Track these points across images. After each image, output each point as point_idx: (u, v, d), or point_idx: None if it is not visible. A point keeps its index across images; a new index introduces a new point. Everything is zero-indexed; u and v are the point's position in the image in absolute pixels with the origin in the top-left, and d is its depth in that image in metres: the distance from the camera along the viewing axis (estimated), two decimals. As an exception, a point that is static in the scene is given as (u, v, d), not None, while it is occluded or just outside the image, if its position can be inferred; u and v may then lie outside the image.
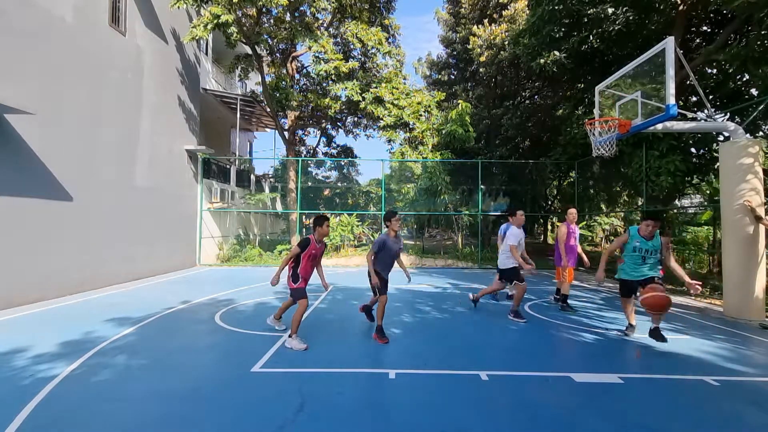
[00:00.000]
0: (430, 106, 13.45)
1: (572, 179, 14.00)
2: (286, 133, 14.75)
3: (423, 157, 13.45)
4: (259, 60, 12.43)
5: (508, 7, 14.81)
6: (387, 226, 4.65)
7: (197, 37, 9.94)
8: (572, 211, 6.23)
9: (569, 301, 6.26)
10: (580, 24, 9.24)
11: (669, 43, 5.40)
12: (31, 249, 6.19)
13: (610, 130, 6.53)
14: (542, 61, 9.70)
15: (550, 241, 18.98)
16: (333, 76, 12.49)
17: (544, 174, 14.82)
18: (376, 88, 13.09)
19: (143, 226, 9.03)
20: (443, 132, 13.53)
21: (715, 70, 9.14)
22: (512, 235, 5.45)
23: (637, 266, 4.41)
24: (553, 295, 6.49)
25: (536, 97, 16.82)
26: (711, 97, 8.97)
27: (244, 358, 3.80)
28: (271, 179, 19.88)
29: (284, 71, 13.83)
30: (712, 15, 9.01)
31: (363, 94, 12.91)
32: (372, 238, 15.25)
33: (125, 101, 8.52)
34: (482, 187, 12.91)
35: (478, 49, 14.88)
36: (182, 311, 5.80)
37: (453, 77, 19.06)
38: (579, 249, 6.23)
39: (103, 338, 4.38)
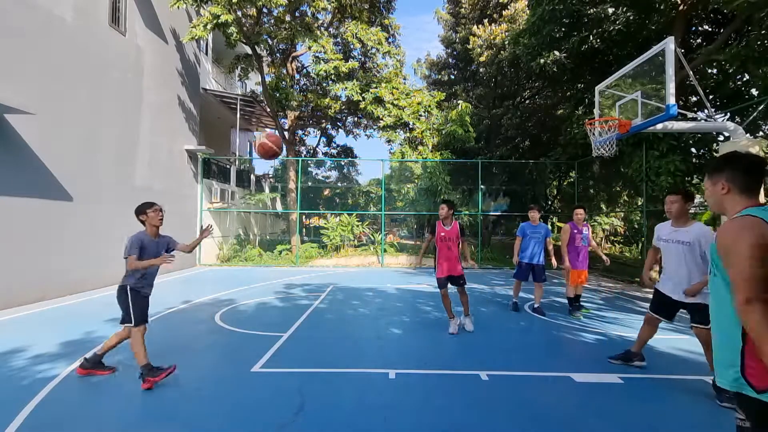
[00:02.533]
0: (430, 106, 13.45)
1: (572, 179, 14.00)
2: (286, 133, 14.75)
3: (423, 157, 13.46)
4: (259, 60, 12.43)
5: (508, 7, 14.81)
6: (142, 221, 3.66)
7: (197, 37, 9.95)
8: (577, 212, 5.83)
9: (577, 304, 5.89)
10: (580, 24, 9.23)
11: (669, 43, 5.39)
12: (31, 249, 6.19)
13: (610, 130, 6.52)
14: (542, 61, 9.69)
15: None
16: (333, 76, 12.49)
17: (544, 174, 14.82)
18: (376, 88, 13.09)
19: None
20: (443, 132, 13.53)
21: (715, 70, 9.13)
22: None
23: None
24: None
25: (536, 97, 16.82)
26: (711, 97, 8.97)
27: (244, 358, 3.80)
28: (271, 179, 19.89)
29: (284, 71, 13.84)
30: (712, 15, 9.01)
31: (363, 94, 12.91)
32: (372, 238, 15.25)
33: (125, 101, 8.52)
34: (482, 187, 12.92)
35: (478, 49, 14.89)
36: (182, 311, 5.80)
37: (453, 77, 19.07)
38: (595, 248, 5.94)
39: (104, 338, 4.37)
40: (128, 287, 3.30)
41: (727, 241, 1.40)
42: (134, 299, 3.30)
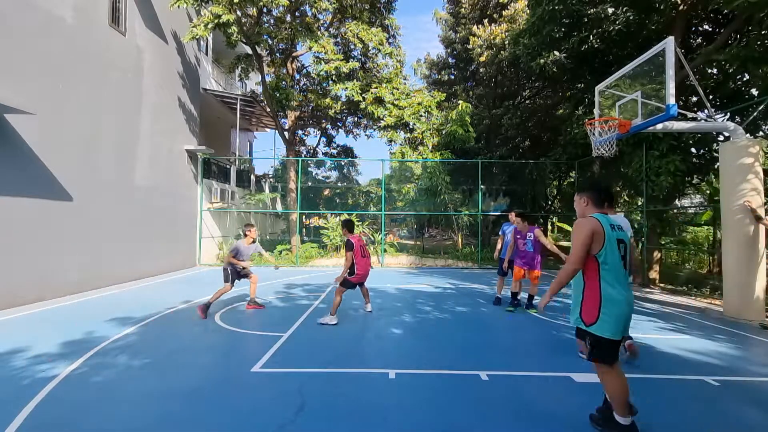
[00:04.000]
0: (430, 107, 13.45)
1: (572, 179, 14.00)
2: (286, 133, 14.75)
3: (423, 157, 13.45)
4: (259, 60, 12.43)
5: (508, 7, 14.81)
6: (246, 235, 5.89)
7: (197, 37, 9.94)
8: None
9: (516, 301, 6.15)
10: (580, 24, 9.22)
11: (669, 43, 5.39)
12: (31, 249, 6.19)
13: (610, 130, 6.52)
14: (542, 61, 9.69)
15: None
16: (333, 77, 12.49)
17: (544, 174, 14.80)
18: (376, 88, 13.08)
19: (143, 226, 9.03)
20: (443, 132, 13.52)
21: (715, 70, 9.12)
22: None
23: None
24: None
25: (536, 97, 16.82)
26: (711, 97, 8.96)
27: (244, 358, 3.81)
28: (271, 179, 19.89)
29: (284, 71, 13.83)
30: (712, 15, 9.00)
31: (363, 95, 12.91)
32: (372, 238, 15.27)
33: (125, 101, 8.52)
34: (482, 187, 12.91)
35: (478, 49, 14.89)
36: (182, 311, 5.80)
37: (453, 77, 19.06)
38: (552, 250, 5.90)
39: (104, 338, 4.38)
40: (227, 268, 5.77)
41: (576, 228, 2.41)
42: (230, 273, 5.75)
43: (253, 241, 5.97)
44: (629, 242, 2.52)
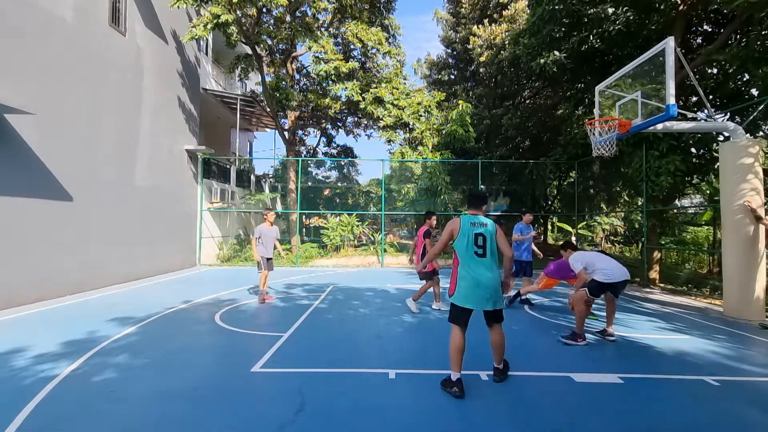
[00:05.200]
0: (430, 107, 13.45)
1: (572, 179, 14.01)
2: (286, 133, 14.75)
3: (423, 157, 13.46)
4: (259, 60, 12.43)
5: (508, 7, 14.82)
6: (265, 218, 6.52)
7: (197, 37, 9.94)
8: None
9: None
10: (580, 24, 9.23)
11: (669, 44, 5.40)
12: (31, 249, 6.19)
13: (610, 130, 6.52)
14: (542, 61, 9.69)
15: (550, 240, 18.97)
16: (333, 77, 12.50)
17: (544, 174, 14.80)
18: (376, 88, 13.09)
19: (143, 226, 9.03)
20: (443, 132, 13.53)
21: (715, 70, 9.13)
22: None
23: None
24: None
25: (536, 97, 16.83)
26: (711, 97, 8.96)
27: (244, 358, 3.80)
28: (271, 179, 19.88)
29: (284, 71, 13.84)
30: (712, 15, 9.00)
31: (363, 94, 12.91)
32: (372, 238, 15.28)
33: (125, 101, 8.52)
34: (482, 187, 12.91)
35: (479, 49, 14.90)
36: (182, 311, 5.80)
37: (453, 77, 19.07)
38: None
39: (104, 338, 4.38)
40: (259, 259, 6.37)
41: (447, 225, 3.23)
42: (263, 261, 6.34)
43: (271, 225, 6.53)
44: (490, 235, 3.14)
